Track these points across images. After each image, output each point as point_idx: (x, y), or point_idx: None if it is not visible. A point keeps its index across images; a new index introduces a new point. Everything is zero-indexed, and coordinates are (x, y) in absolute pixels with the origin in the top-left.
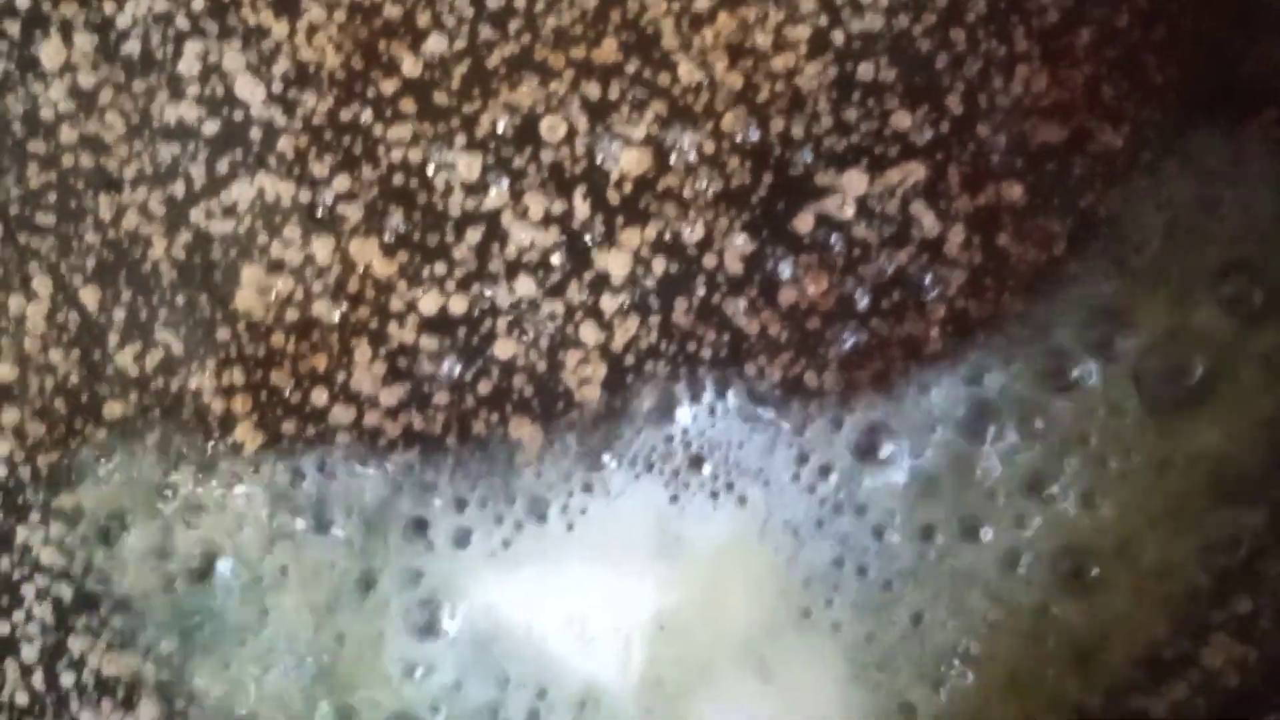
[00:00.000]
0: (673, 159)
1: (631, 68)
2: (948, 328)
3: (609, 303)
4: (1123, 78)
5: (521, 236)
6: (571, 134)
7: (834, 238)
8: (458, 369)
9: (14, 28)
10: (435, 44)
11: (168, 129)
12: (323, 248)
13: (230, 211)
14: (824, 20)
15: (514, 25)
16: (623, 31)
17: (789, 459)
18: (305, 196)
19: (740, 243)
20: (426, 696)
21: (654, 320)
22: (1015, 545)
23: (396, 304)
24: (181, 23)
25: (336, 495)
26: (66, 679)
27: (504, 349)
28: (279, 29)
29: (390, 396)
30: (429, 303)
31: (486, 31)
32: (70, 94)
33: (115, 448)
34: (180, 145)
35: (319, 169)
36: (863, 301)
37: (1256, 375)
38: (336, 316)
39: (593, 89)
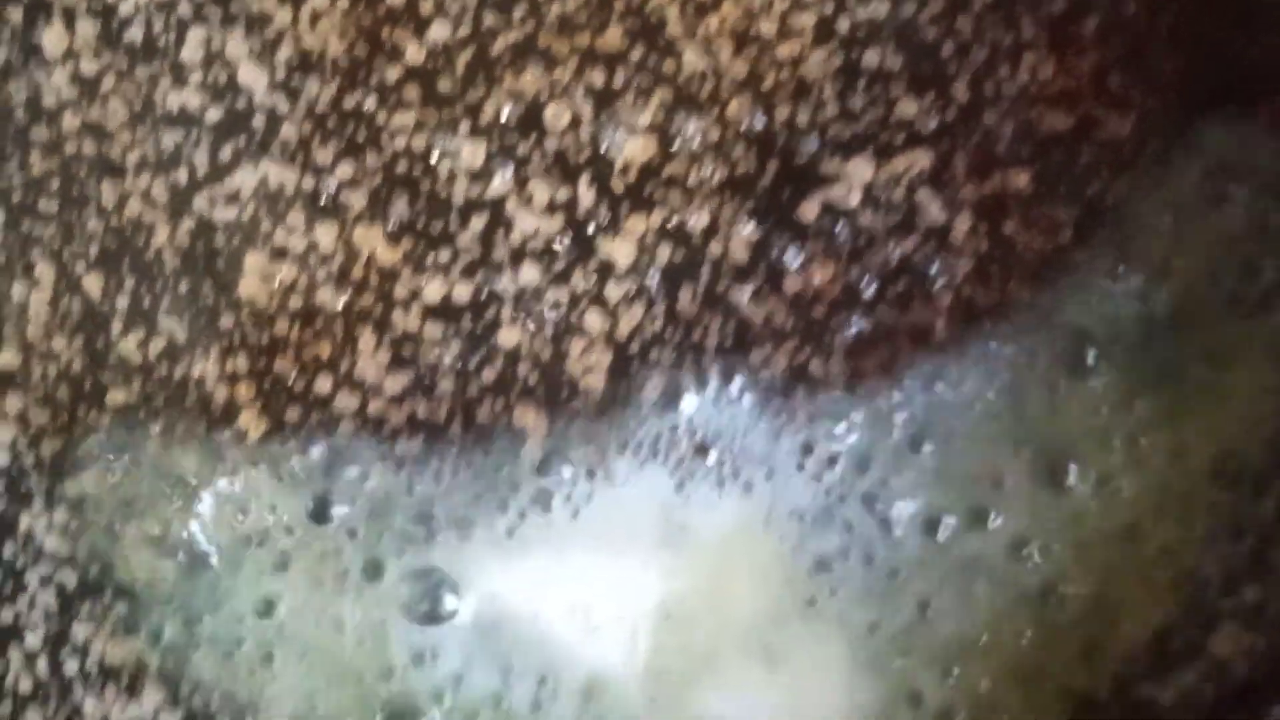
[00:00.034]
0: (677, 146)
1: (636, 55)
2: (954, 316)
3: (614, 290)
4: (1130, 66)
5: (526, 224)
6: (576, 121)
7: (840, 226)
8: (462, 357)
9: (16, 14)
10: (439, 31)
11: (170, 116)
12: (326, 235)
13: (233, 199)
14: (829, 8)
15: (518, 12)
16: (627, 19)
17: (794, 447)
18: (309, 184)
19: (745, 231)
20: (430, 685)
21: (659, 308)
22: (1023, 532)
23: (400, 291)
24: (184, 9)
25: (340, 483)
26: (70, 666)
27: (508, 337)
28: (282, 16)
29: (394, 384)
30: (433, 290)
31: (490, 18)
32: (72, 81)
33: (119, 435)
34: (183, 132)
35: (322, 156)
36: (869, 289)
37: (1264, 365)
38: (340, 304)
39: (597, 76)
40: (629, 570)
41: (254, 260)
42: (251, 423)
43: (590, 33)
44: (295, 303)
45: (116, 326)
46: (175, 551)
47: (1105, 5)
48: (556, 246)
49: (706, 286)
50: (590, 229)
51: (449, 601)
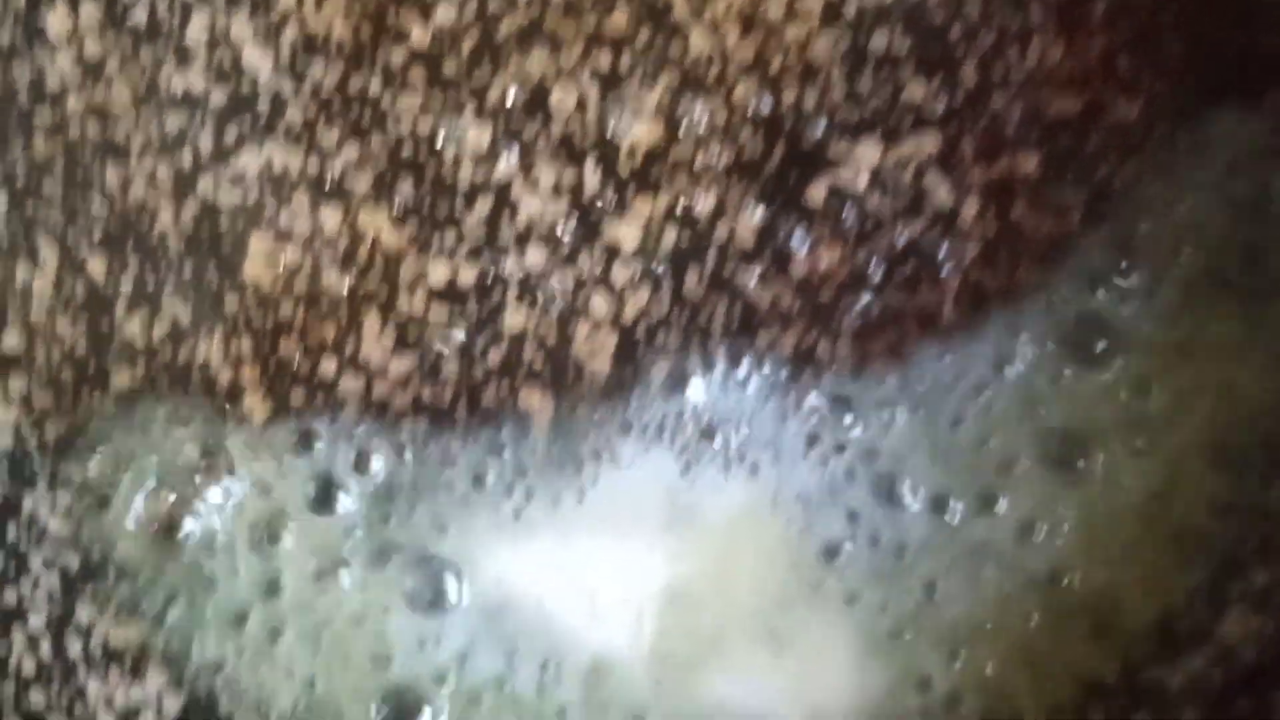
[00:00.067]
0: (684, 130)
1: (642, 38)
2: (961, 299)
3: (620, 273)
4: (1139, 50)
5: (531, 207)
6: (582, 104)
7: (847, 209)
8: (467, 340)
9: None
10: (444, 13)
11: (175, 98)
12: (331, 218)
13: (238, 181)
14: None
15: None
16: (633, 1)
17: (801, 430)
18: (314, 167)
19: (752, 214)
20: (433, 668)
21: (665, 291)
22: (1030, 516)
23: (406, 274)
24: None
25: (345, 466)
26: (74, 648)
27: (514, 320)
28: None
29: (399, 367)
30: (438, 273)
31: (496, 1)
32: (76, 63)
33: (123, 417)
34: (187, 115)
35: (327, 139)
36: (876, 273)
37: (1271, 351)
38: (345, 287)
39: (603, 59)
40: (635, 553)
41: (259, 243)
42: (256, 405)
43: (596, 15)
44: (300, 285)
45: (120, 309)
46: (179, 534)
47: None
48: (562, 230)
49: (713, 269)
50: (596, 212)
51: (453, 585)
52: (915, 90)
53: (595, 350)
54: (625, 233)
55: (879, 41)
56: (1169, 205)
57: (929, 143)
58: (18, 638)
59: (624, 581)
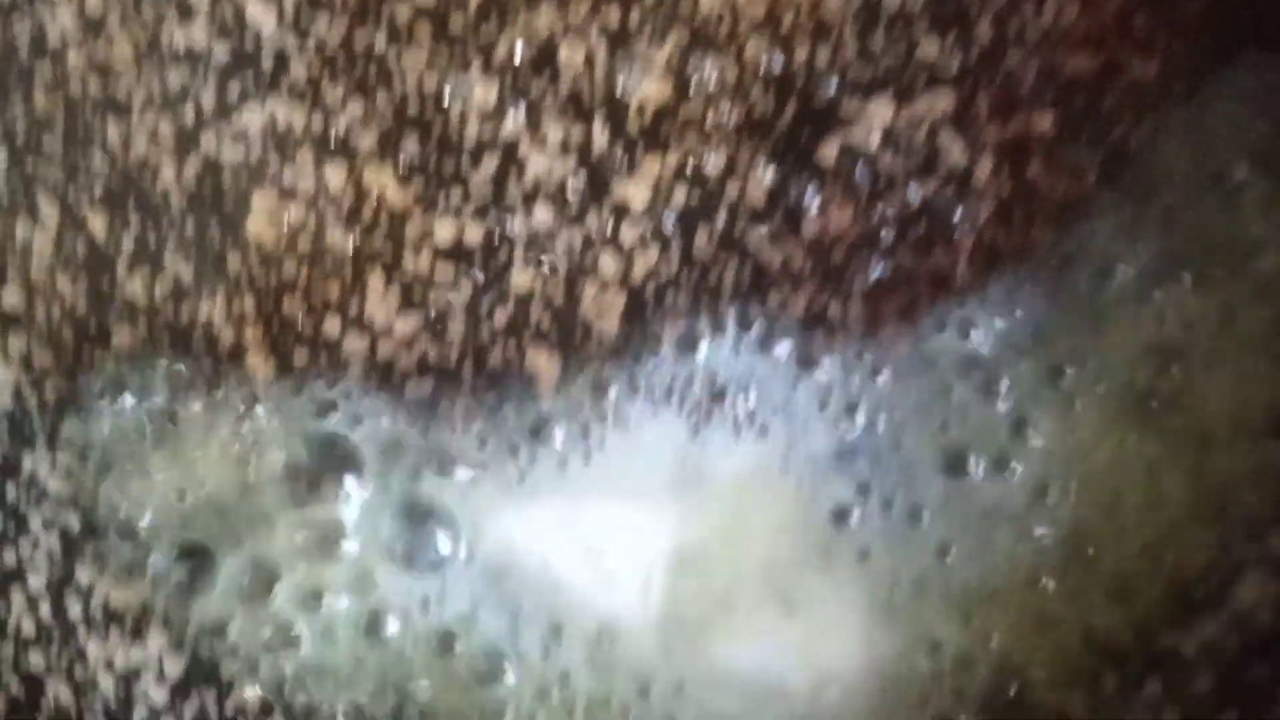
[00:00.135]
0: (694, 87)
1: None
2: (975, 260)
3: (628, 233)
4: (1155, 7)
5: (539, 165)
6: (590, 61)
7: (859, 168)
8: (473, 300)
9: None
10: None
11: (177, 54)
12: (335, 175)
13: (241, 138)
14: None
15: None
16: None
17: (812, 391)
18: (318, 123)
19: (763, 173)
20: (438, 630)
21: (674, 251)
22: (1044, 479)
23: (411, 233)
24: None
25: (349, 426)
26: (74, 609)
27: (520, 279)
28: None
29: (404, 327)
30: (444, 232)
31: None
32: (77, 18)
33: (124, 376)
34: (190, 70)
35: (332, 95)
36: (888, 233)
37: None
38: (349, 245)
39: (612, 15)
40: (643, 516)
41: (262, 200)
42: (259, 365)
43: None
44: (304, 244)
45: (122, 267)
46: (180, 495)
47: None
48: (570, 188)
49: (723, 229)
50: (604, 171)
51: (460, 546)
52: (929, 48)
53: (603, 311)
54: (634, 192)
55: None
56: (1187, 163)
57: (942, 101)
58: (17, 599)
59: (632, 544)
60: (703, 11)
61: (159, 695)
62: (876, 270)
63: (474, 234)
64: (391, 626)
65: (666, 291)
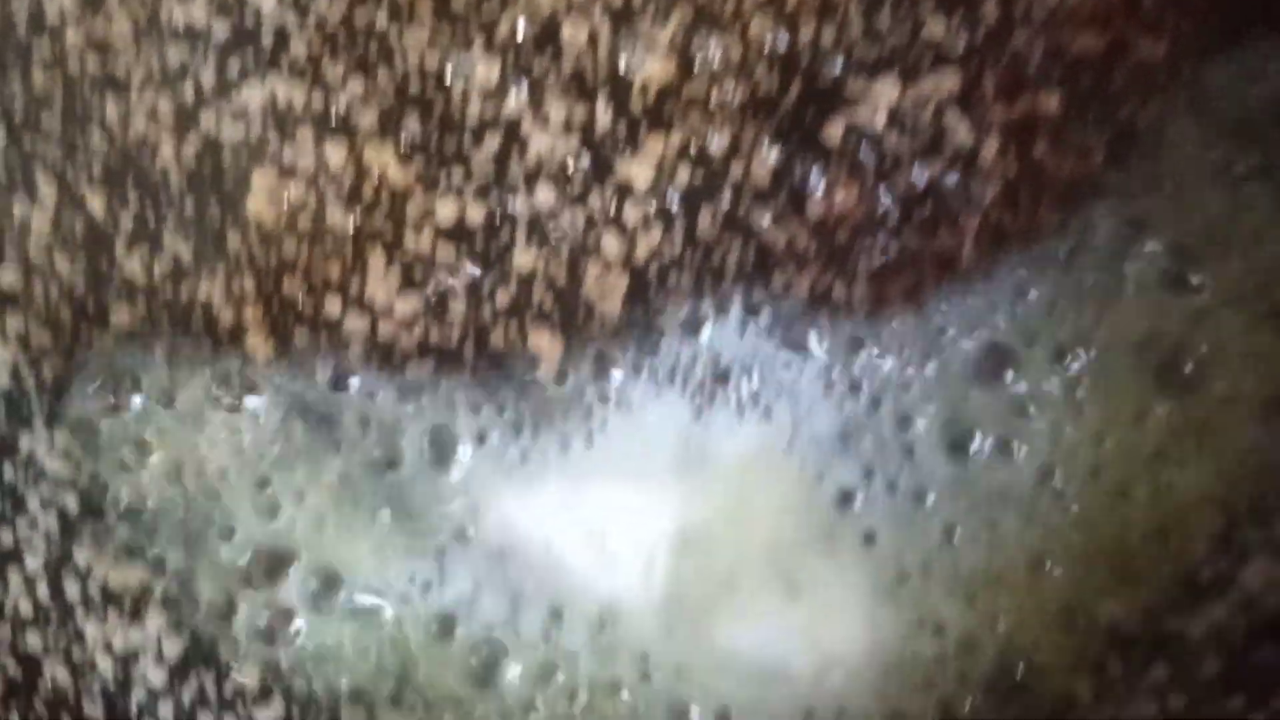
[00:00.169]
0: (698, 66)
1: None
2: (981, 240)
3: (632, 213)
4: None
5: (541, 144)
6: (594, 39)
7: (864, 148)
8: (475, 279)
9: None
10: None
11: (176, 31)
12: (336, 154)
13: (240, 116)
14: None
15: None
16: None
17: (816, 372)
18: (318, 101)
19: (767, 153)
20: (439, 611)
21: (678, 231)
22: (1049, 461)
23: (412, 212)
24: None
25: (350, 407)
26: (72, 590)
27: (523, 259)
28: None
29: (405, 307)
30: (445, 211)
31: None
32: None
33: (122, 356)
34: (189, 48)
35: (332, 73)
36: (893, 214)
37: None
38: (350, 224)
39: None
40: (646, 498)
41: (262, 179)
42: (259, 345)
43: None
44: (304, 223)
45: (120, 246)
46: (179, 475)
47: None
48: (573, 168)
49: (727, 209)
50: (608, 150)
51: (462, 528)
52: (935, 27)
53: (606, 291)
54: (637, 171)
55: None
56: (1193, 145)
57: (949, 81)
58: (14, 579)
59: (635, 526)
60: None
61: (157, 677)
62: (882, 250)
63: (476, 213)
64: (392, 609)
65: (670, 272)
